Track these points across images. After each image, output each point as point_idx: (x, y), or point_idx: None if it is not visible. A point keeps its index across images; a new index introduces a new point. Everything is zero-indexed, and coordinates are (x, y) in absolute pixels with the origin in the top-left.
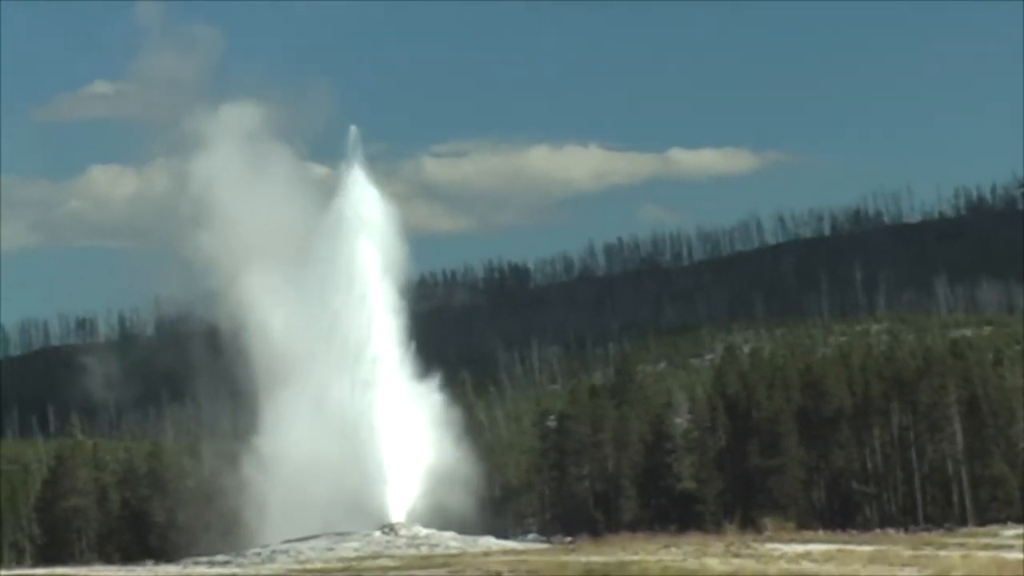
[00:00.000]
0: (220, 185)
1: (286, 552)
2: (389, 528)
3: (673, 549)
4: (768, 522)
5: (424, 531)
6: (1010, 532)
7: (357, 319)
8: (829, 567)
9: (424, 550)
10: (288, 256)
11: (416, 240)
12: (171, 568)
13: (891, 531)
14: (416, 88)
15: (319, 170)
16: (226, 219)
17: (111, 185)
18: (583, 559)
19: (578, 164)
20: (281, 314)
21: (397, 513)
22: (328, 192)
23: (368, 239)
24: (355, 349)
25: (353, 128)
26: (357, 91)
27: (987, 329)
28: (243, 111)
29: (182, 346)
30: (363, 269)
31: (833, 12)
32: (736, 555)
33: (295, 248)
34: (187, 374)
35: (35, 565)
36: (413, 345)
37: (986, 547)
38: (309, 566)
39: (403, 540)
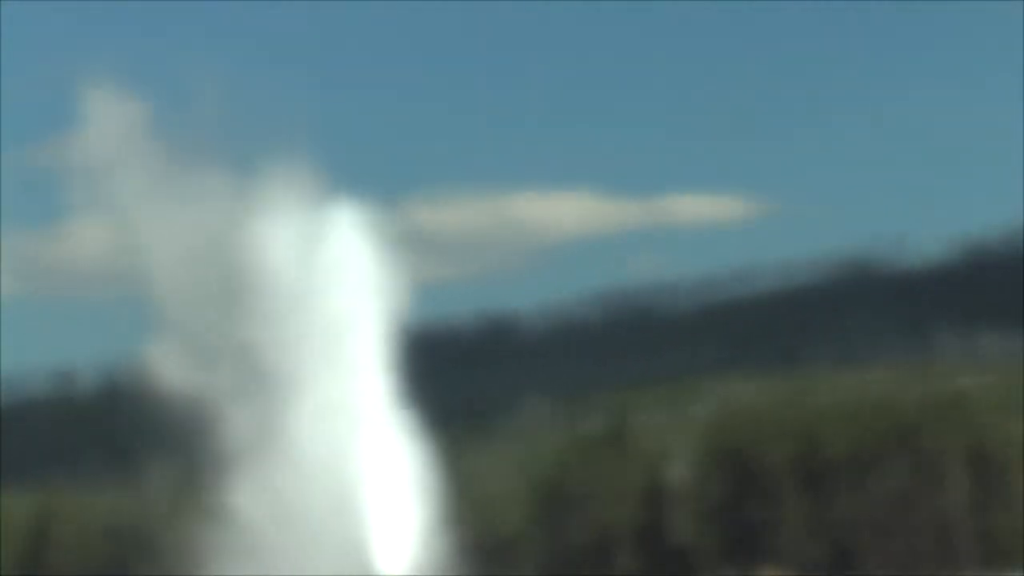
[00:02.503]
0: (140, 214)
1: None
2: None
3: None
4: (767, 575)
5: None
6: None
7: (339, 357)
8: None
9: None
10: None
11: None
12: None
13: None
14: (401, 133)
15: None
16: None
17: (95, 233)
18: None
19: (567, 210)
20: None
21: (386, 566)
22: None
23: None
24: (339, 390)
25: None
26: (340, 133)
27: (988, 378)
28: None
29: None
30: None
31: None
32: None
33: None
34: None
35: None
36: (401, 385)
37: None
38: None
39: None
